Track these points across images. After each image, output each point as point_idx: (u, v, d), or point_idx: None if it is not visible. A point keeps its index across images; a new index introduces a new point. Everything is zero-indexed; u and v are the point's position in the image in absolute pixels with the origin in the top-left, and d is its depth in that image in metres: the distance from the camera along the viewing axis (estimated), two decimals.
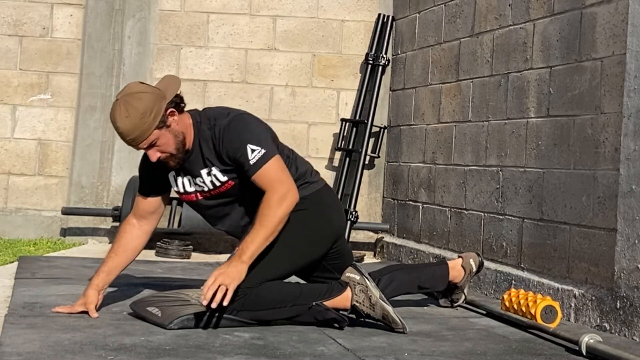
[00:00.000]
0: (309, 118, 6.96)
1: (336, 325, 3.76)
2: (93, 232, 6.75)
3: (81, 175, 6.73)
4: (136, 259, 4.00)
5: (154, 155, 3.66)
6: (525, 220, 4.85)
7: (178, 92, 3.69)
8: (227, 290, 3.43)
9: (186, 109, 3.76)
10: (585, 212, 4.34)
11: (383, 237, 6.67)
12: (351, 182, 6.74)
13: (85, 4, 6.84)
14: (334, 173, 6.94)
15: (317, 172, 4.00)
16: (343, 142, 6.84)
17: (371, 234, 6.82)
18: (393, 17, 6.87)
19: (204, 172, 3.75)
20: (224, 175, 3.72)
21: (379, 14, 6.91)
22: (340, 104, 7.00)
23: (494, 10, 5.31)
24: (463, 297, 4.42)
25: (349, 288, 3.81)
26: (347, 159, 6.82)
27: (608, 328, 3.99)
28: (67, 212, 6.64)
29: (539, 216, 4.73)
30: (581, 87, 4.44)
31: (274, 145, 3.71)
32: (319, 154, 6.95)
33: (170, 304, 3.72)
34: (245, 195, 3.76)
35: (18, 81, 6.86)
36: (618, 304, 3.94)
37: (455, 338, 3.73)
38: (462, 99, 5.65)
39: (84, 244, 6.63)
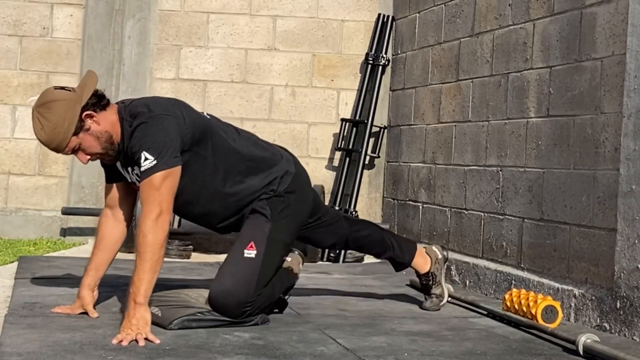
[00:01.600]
0: (309, 118, 6.96)
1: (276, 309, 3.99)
2: (93, 232, 6.71)
3: (81, 175, 6.73)
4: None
5: (83, 158, 3.63)
6: (525, 220, 4.85)
7: (97, 90, 3.61)
8: (145, 337, 3.34)
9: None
10: (585, 212, 4.34)
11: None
12: (351, 182, 6.74)
13: (85, 4, 6.84)
14: (334, 173, 6.94)
15: (280, 153, 3.99)
16: (343, 142, 6.84)
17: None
18: (393, 17, 6.87)
19: (129, 168, 3.69)
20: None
21: (379, 14, 6.91)
22: (340, 104, 7.00)
23: (494, 10, 5.31)
24: (446, 291, 4.39)
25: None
26: (347, 159, 6.82)
27: (608, 328, 3.99)
28: (67, 212, 6.64)
29: (539, 216, 4.73)
30: (581, 87, 4.44)
31: (172, 158, 3.52)
32: (319, 154, 6.95)
33: (170, 304, 3.71)
34: (185, 188, 3.69)
35: (18, 81, 6.86)
36: (618, 304, 3.94)
37: (455, 338, 3.73)
38: (462, 99, 5.65)
39: (84, 244, 6.63)
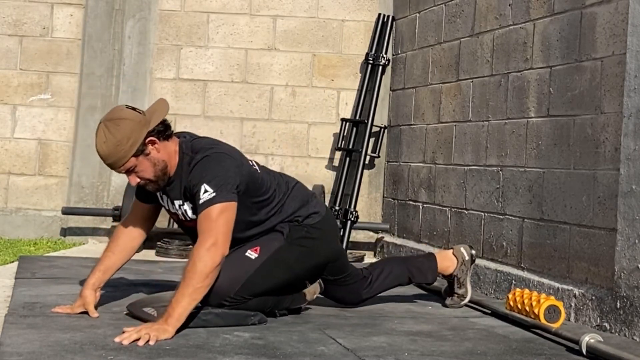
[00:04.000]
0: (309, 118, 6.96)
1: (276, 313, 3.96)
2: (93, 232, 6.75)
3: (81, 175, 6.73)
4: (136, 259, 4.00)
5: (133, 180, 3.69)
6: (525, 220, 4.85)
7: (165, 119, 3.68)
8: (149, 339, 3.33)
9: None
10: (585, 212, 4.34)
11: (383, 237, 6.67)
12: (351, 182, 6.74)
13: (85, 4, 6.84)
14: (334, 173, 6.94)
15: (316, 196, 4.10)
16: (343, 142, 6.84)
17: (371, 233, 6.82)
18: (393, 17, 6.87)
19: (177, 202, 3.78)
20: (193, 213, 3.72)
21: (379, 14, 6.91)
22: (340, 104, 7.00)
23: (494, 10, 5.31)
24: (469, 292, 4.43)
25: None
26: (347, 159, 6.82)
27: (608, 328, 3.99)
28: (67, 212, 6.63)
29: (539, 216, 4.73)
30: (581, 87, 4.44)
31: (231, 193, 3.61)
32: (319, 153, 6.95)
33: (166, 304, 3.72)
34: None
35: (18, 81, 6.86)
36: (618, 304, 3.94)
37: (455, 338, 3.73)
38: (462, 99, 5.65)
39: (84, 243, 6.63)
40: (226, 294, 3.70)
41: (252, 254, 3.80)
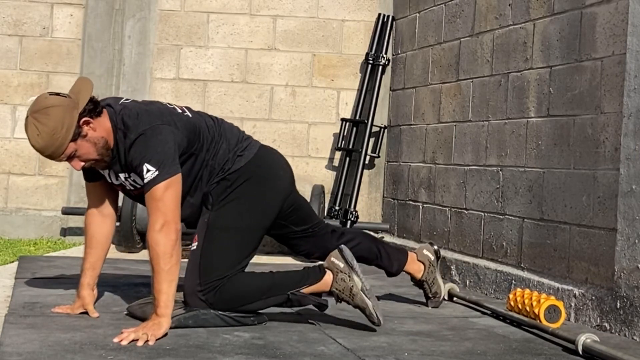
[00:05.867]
0: (309, 118, 6.96)
1: (316, 308, 3.82)
2: None
3: (81, 176, 6.69)
4: (136, 259, 4.00)
5: (77, 165, 3.62)
6: (525, 220, 4.85)
7: (92, 96, 3.58)
8: (147, 339, 3.34)
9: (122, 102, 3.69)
10: (585, 212, 4.34)
11: (383, 237, 6.67)
12: (351, 182, 6.74)
13: (85, 4, 6.84)
14: (334, 173, 6.94)
15: (248, 137, 3.94)
16: (343, 142, 6.84)
17: (371, 233, 6.81)
18: (393, 17, 6.87)
19: (122, 175, 3.71)
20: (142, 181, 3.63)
21: (379, 14, 6.91)
22: (340, 104, 7.00)
23: (494, 10, 5.31)
24: (441, 287, 4.42)
25: (329, 272, 3.78)
26: (347, 159, 6.82)
27: (608, 328, 3.99)
28: (67, 212, 6.64)
29: (539, 216, 4.73)
30: (581, 87, 4.44)
31: (172, 166, 3.54)
32: (319, 153, 6.95)
33: None
34: (189, 190, 3.73)
35: (18, 81, 6.86)
36: (618, 304, 3.94)
37: (455, 338, 3.73)
38: (462, 99, 5.65)
39: (84, 243, 6.63)
40: (194, 291, 3.65)
41: (194, 246, 3.74)
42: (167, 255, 3.45)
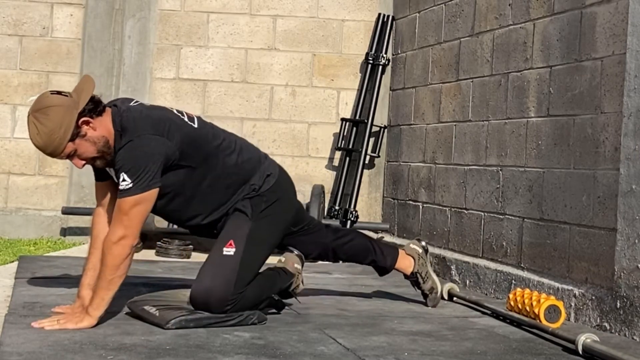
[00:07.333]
0: (309, 118, 6.96)
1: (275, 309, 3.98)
2: None
3: (81, 175, 6.72)
4: (136, 258, 3.99)
5: (79, 164, 3.63)
6: (525, 219, 4.85)
7: (93, 95, 3.59)
8: (66, 323, 3.49)
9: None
10: (585, 211, 4.34)
11: (383, 237, 6.66)
12: (351, 181, 6.75)
13: (85, 3, 6.84)
14: (334, 173, 6.94)
15: (265, 155, 4.03)
16: (343, 141, 6.84)
17: (371, 233, 6.81)
18: (393, 17, 6.87)
19: (119, 175, 3.69)
20: None
21: (379, 14, 6.91)
22: (340, 104, 7.00)
23: (494, 9, 5.31)
24: (437, 282, 4.43)
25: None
26: (347, 159, 6.82)
27: (608, 328, 3.99)
28: (67, 211, 6.64)
29: (539, 216, 4.73)
30: (581, 86, 4.44)
31: (149, 182, 3.54)
32: (319, 153, 6.95)
33: (168, 304, 3.72)
34: (175, 197, 3.77)
35: (18, 81, 6.86)
36: (618, 304, 3.94)
37: (455, 338, 3.73)
38: (462, 99, 5.65)
39: (84, 243, 6.63)
40: (225, 300, 3.69)
41: (229, 251, 3.77)
42: (114, 267, 3.53)
